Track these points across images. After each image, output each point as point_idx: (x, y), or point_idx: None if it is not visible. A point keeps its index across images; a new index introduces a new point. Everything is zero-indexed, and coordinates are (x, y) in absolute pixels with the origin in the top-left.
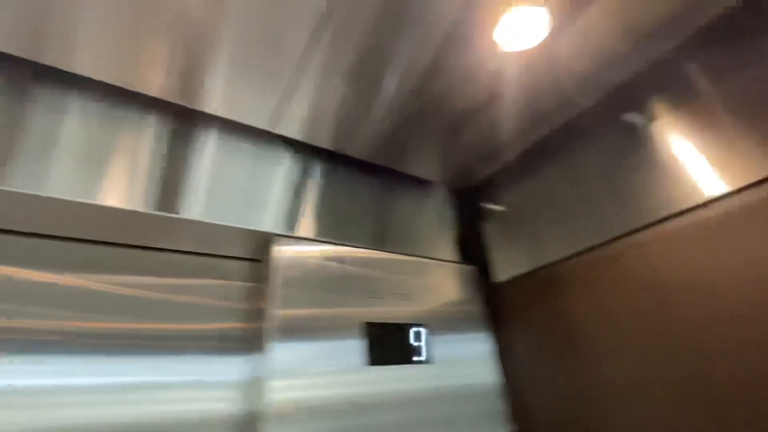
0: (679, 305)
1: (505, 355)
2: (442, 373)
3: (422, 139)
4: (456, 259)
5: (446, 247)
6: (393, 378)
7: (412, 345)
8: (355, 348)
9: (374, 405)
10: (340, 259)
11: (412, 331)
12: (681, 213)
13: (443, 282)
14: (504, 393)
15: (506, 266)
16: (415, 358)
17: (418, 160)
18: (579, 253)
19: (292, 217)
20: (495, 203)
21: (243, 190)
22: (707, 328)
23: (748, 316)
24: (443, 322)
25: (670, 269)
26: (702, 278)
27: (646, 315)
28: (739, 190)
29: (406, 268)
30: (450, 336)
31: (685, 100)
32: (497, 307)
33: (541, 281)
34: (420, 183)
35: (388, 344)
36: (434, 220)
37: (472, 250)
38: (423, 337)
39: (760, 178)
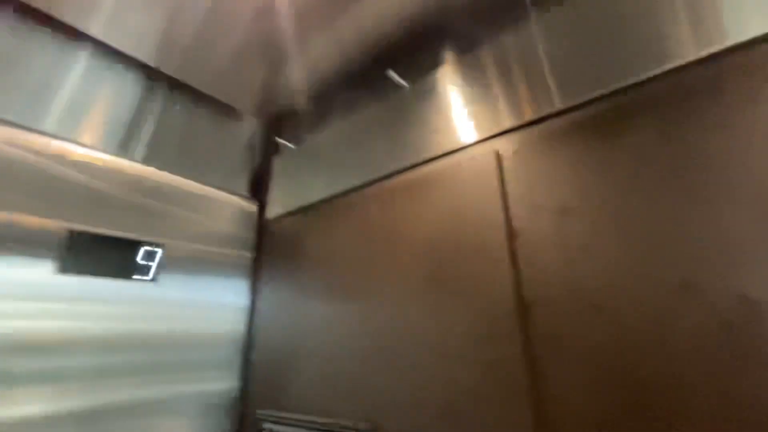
0: (385, 252)
1: (258, 297)
2: (172, 312)
3: (236, 67)
4: (242, 192)
5: (240, 178)
6: (102, 312)
7: (139, 264)
8: (46, 262)
9: (67, 343)
10: (51, 157)
11: (143, 250)
12: (412, 167)
13: (210, 211)
14: (246, 339)
15: (279, 204)
16: (136, 276)
17: (231, 89)
18: (329, 198)
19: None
20: (288, 140)
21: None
22: (406, 271)
23: (445, 259)
24: (191, 253)
25: (386, 218)
26: (407, 228)
27: (361, 260)
28: (464, 147)
29: (165, 189)
30: (199, 269)
31: (450, 56)
32: (262, 245)
33: (296, 222)
34: (231, 113)
35: (102, 260)
36: (235, 152)
37: (261, 185)
38: (157, 258)
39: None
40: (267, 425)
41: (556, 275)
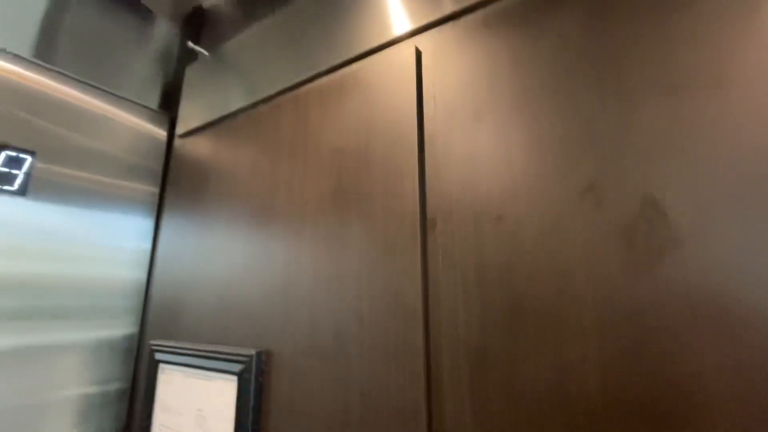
0: (292, 169)
1: (163, 231)
2: (56, 248)
3: None
4: (152, 107)
5: (151, 90)
6: None
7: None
8: None
9: None
10: None
11: (4, 155)
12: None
13: (110, 129)
14: (148, 281)
15: (190, 119)
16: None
17: None
18: (241, 110)
19: None
20: (204, 48)
21: None
22: (311, 190)
23: (339, 171)
24: (84, 182)
25: (298, 130)
26: (317, 141)
27: (267, 181)
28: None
29: (54, 98)
30: (95, 201)
31: None
32: (170, 169)
33: (206, 141)
34: (147, 17)
35: None
36: (148, 60)
37: (173, 99)
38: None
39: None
40: (158, 355)
41: (464, 187)
